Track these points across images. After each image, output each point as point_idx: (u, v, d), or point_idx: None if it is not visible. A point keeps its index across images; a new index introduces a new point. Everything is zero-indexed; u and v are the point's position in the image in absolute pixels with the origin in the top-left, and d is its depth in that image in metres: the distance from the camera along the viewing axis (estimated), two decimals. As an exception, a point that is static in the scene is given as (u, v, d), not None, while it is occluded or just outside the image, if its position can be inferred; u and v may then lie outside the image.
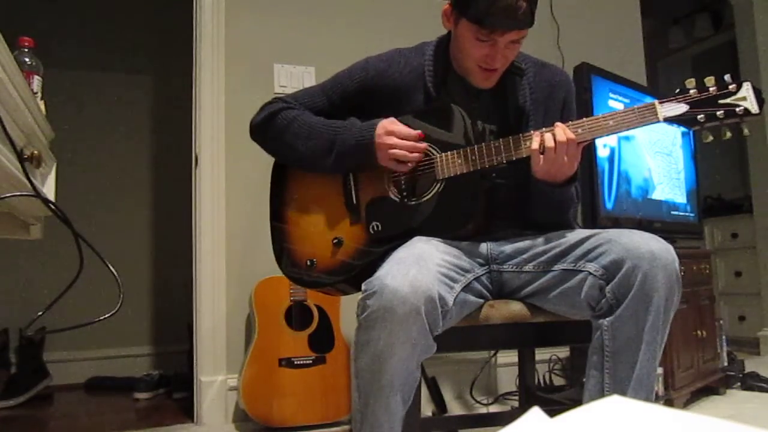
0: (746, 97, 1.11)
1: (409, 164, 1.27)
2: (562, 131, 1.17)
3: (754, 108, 1.11)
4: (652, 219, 2.28)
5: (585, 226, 1.95)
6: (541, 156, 1.18)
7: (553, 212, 1.31)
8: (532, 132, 1.22)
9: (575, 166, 1.21)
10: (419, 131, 1.27)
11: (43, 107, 1.21)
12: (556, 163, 1.18)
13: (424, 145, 1.27)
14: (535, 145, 1.19)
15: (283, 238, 1.40)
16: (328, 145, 1.31)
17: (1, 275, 2.96)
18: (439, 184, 1.27)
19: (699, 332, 2.29)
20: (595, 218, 2.02)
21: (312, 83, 2.12)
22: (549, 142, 1.17)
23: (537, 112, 1.34)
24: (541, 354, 2.43)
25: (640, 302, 1.08)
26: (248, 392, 1.99)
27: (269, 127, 1.39)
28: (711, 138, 1.16)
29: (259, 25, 2.36)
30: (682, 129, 2.51)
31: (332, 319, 2.10)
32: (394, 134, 1.25)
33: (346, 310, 2.12)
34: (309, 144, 1.34)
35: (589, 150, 2.00)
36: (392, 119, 1.28)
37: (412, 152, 1.25)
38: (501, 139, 1.23)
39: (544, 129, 1.21)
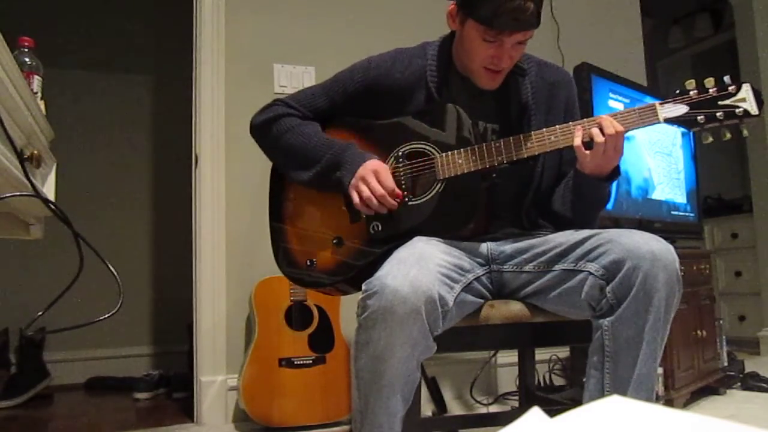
0: (746, 99, 1.11)
1: (367, 208, 1.25)
2: (611, 124, 1.17)
3: (753, 109, 1.11)
4: (652, 219, 2.28)
5: (585, 226, 1.95)
6: (588, 152, 1.19)
7: (591, 208, 1.31)
8: (532, 133, 1.23)
9: (621, 157, 1.21)
10: (400, 192, 1.26)
11: (43, 107, 1.21)
12: (606, 155, 1.18)
13: (394, 203, 1.25)
14: (577, 141, 1.19)
15: (282, 237, 1.40)
16: (314, 160, 1.32)
17: (1, 275, 2.96)
18: (439, 185, 1.27)
19: (699, 332, 2.29)
20: (595, 218, 2.02)
21: (312, 83, 2.11)
22: (598, 136, 1.17)
23: (539, 111, 1.34)
24: (541, 354, 2.43)
25: (640, 302, 1.08)
26: (248, 392, 1.99)
27: (267, 131, 1.40)
28: (711, 139, 1.16)
29: (259, 25, 2.36)
30: (682, 129, 2.51)
31: (332, 319, 2.10)
32: (378, 174, 1.24)
33: (346, 310, 2.12)
34: (298, 155, 1.35)
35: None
36: (386, 167, 1.27)
37: (379, 200, 1.24)
38: (502, 140, 1.23)
39: (585, 121, 1.20)
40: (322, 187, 1.34)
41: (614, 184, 1.31)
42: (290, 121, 1.37)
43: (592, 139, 1.17)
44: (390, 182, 1.25)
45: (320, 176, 1.32)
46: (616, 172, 1.24)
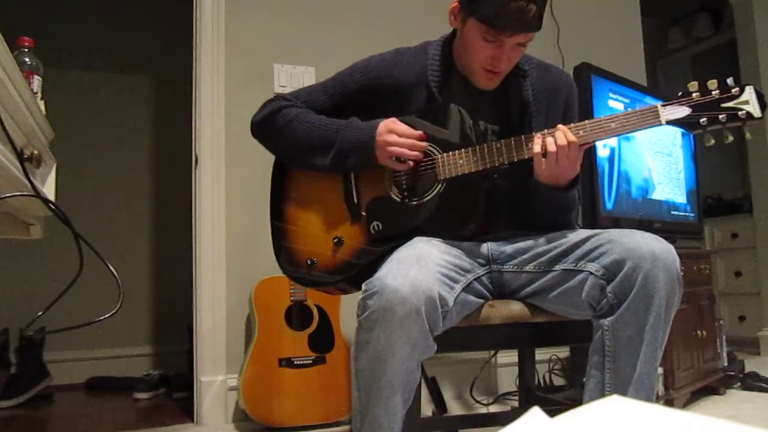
0: (749, 101, 1.11)
1: (410, 163, 1.27)
2: (563, 134, 1.17)
3: (756, 112, 1.10)
4: (652, 219, 2.27)
5: (585, 226, 1.94)
6: (544, 159, 1.18)
7: (556, 215, 1.31)
8: (534, 134, 1.22)
9: (577, 169, 1.21)
10: (421, 132, 1.27)
11: (43, 107, 1.21)
12: (559, 166, 1.18)
13: (424, 144, 1.27)
14: (537, 148, 1.19)
15: (283, 236, 1.40)
16: (328, 143, 1.31)
17: (1, 275, 2.96)
18: (440, 185, 1.27)
19: (699, 332, 2.29)
20: (595, 218, 2.02)
21: (312, 83, 2.11)
22: (551, 146, 1.17)
23: (539, 113, 1.34)
24: (541, 354, 2.43)
25: (641, 302, 1.08)
26: (248, 392, 1.99)
27: (270, 124, 1.39)
28: (713, 141, 1.15)
29: (259, 24, 2.36)
30: (683, 129, 2.51)
31: (332, 319, 2.10)
32: (395, 132, 1.26)
33: (346, 310, 2.12)
34: (309, 141, 1.34)
35: (590, 150, 1.99)
36: (393, 119, 1.28)
37: (412, 150, 1.25)
38: (503, 141, 1.23)
39: (546, 131, 1.20)
40: (342, 170, 1.34)
41: (576, 192, 1.30)
42: (292, 111, 1.37)
43: (545, 149, 1.18)
44: (409, 130, 1.26)
45: (339, 161, 1.31)
46: (575, 181, 1.24)
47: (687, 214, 2.54)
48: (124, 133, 3.32)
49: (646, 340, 1.08)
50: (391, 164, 1.28)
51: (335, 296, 2.08)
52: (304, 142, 1.34)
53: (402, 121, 1.30)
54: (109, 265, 1.07)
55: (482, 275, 1.25)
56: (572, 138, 1.16)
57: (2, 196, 0.92)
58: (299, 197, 1.41)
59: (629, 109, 1.19)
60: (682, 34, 4.35)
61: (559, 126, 1.19)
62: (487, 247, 1.29)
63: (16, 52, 1.20)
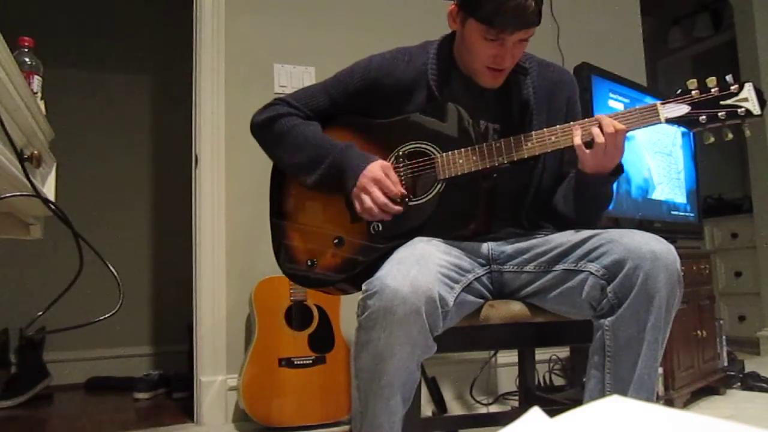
0: (748, 98, 1.11)
1: (370, 217, 1.25)
2: (611, 123, 1.17)
3: (755, 109, 1.10)
4: (652, 219, 2.27)
5: (585, 226, 1.95)
6: (588, 151, 1.18)
7: (594, 208, 1.31)
8: (533, 133, 1.22)
9: (622, 155, 1.21)
10: (404, 192, 1.26)
11: (43, 107, 1.21)
12: (606, 154, 1.18)
13: (397, 209, 1.25)
14: (577, 140, 1.19)
15: (283, 236, 1.40)
16: (317, 162, 1.31)
17: (1, 275, 2.96)
18: (440, 185, 1.27)
19: (699, 332, 2.29)
20: (595, 218, 2.02)
21: (312, 83, 2.11)
22: (599, 137, 1.16)
23: (540, 111, 1.34)
24: (541, 354, 2.43)
25: (641, 302, 1.08)
26: (248, 392, 1.99)
27: (269, 130, 1.39)
28: (712, 139, 1.15)
29: (259, 25, 2.36)
30: (682, 129, 2.51)
31: (332, 319, 2.10)
32: (379, 182, 1.24)
33: (346, 310, 2.12)
34: (300, 155, 1.34)
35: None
36: (389, 166, 1.27)
37: (381, 209, 1.24)
38: (503, 140, 1.23)
39: (586, 121, 1.20)
40: (326, 190, 1.34)
41: (615, 185, 1.30)
42: (291, 121, 1.37)
43: (592, 139, 1.17)
44: (391, 188, 1.24)
45: (323, 180, 1.31)
46: (619, 169, 1.24)
47: (687, 214, 2.53)
48: (124, 133, 3.32)
49: (647, 340, 1.08)
50: (357, 204, 1.26)
51: (335, 296, 2.08)
52: (295, 154, 1.35)
53: (404, 120, 1.31)
54: (109, 265, 1.07)
55: (482, 275, 1.25)
56: (620, 126, 1.16)
57: (2, 196, 0.92)
58: (299, 197, 1.41)
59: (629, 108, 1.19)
60: (682, 34, 4.35)
61: (602, 116, 1.18)
62: (487, 247, 1.28)
63: (16, 52, 1.20)
